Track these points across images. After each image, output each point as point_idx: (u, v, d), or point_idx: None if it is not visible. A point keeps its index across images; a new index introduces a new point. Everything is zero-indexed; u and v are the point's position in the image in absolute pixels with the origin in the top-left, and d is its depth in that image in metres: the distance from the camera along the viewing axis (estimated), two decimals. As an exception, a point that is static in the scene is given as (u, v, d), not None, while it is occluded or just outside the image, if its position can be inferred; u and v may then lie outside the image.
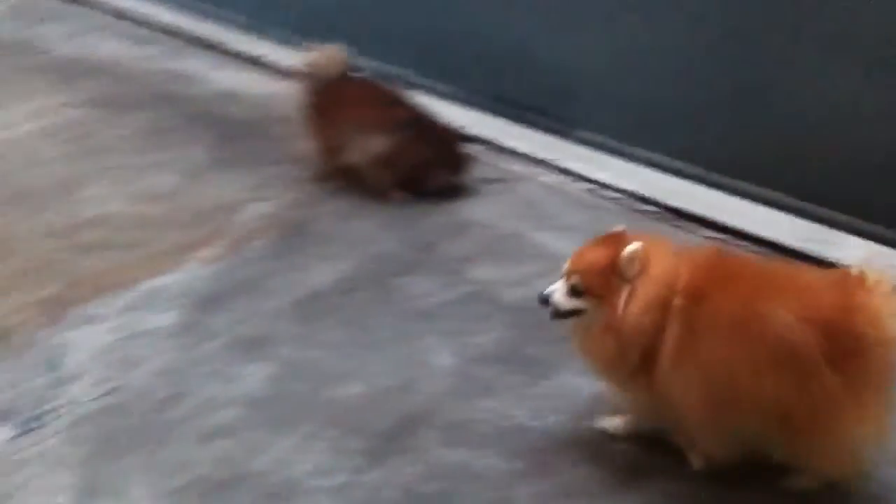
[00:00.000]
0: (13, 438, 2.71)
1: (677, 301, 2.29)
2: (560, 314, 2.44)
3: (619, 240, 2.37)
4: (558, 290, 2.43)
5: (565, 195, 3.98)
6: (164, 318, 3.23)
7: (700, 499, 2.39)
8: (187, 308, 3.29)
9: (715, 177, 3.85)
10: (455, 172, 4.05)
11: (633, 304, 2.32)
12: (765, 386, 2.21)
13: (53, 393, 2.89)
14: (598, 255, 2.38)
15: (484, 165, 4.19)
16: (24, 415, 2.80)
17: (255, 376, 2.94)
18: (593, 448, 2.50)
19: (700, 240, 3.51)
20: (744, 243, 3.47)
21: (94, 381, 2.93)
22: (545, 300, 2.44)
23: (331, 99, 4.07)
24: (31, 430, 2.74)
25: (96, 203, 4.07)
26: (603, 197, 3.93)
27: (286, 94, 4.96)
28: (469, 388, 2.82)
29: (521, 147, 4.37)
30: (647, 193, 3.88)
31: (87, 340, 3.13)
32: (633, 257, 2.31)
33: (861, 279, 2.21)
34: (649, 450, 2.50)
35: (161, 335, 3.15)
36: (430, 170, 3.99)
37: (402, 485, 2.47)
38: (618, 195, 3.92)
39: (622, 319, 2.31)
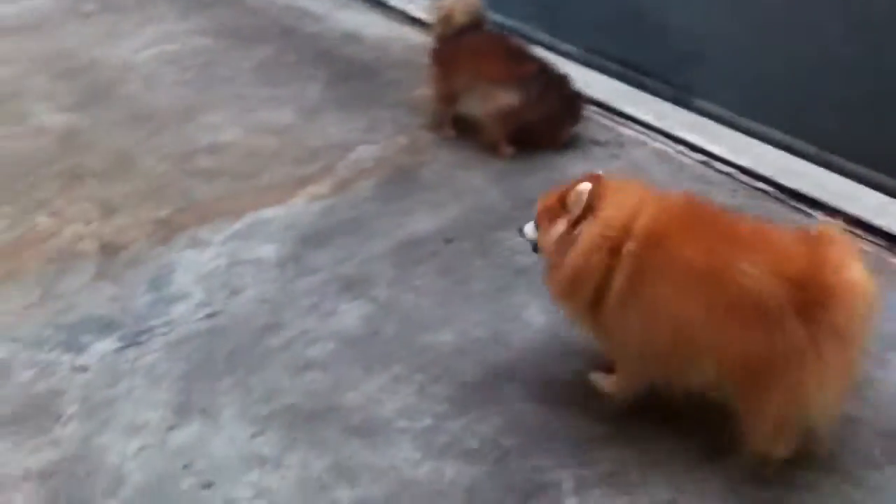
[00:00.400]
0: (117, 350, 2.83)
1: (630, 245, 2.34)
2: (535, 247, 2.61)
3: (588, 181, 2.46)
4: (531, 225, 2.60)
5: (675, 164, 3.90)
6: (269, 250, 3.31)
7: (782, 481, 2.34)
8: (291, 241, 3.36)
9: (832, 158, 3.71)
10: (571, 129, 4.02)
11: (577, 245, 2.42)
12: (725, 336, 2.23)
13: (157, 311, 3.01)
14: (557, 193, 2.51)
15: (598, 127, 4.14)
16: (129, 329, 2.92)
17: (350, 314, 2.99)
18: (680, 421, 2.47)
19: (812, 223, 3.41)
20: (857, 230, 3.34)
21: (196, 304, 3.03)
22: (522, 233, 2.64)
23: (458, 48, 4.06)
24: (135, 344, 2.85)
25: (213, 131, 4.17)
26: (714, 169, 3.83)
27: (407, 39, 5.02)
28: (558, 347, 2.81)
29: (637, 112, 4.29)
30: (760, 170, 3.77)
31: (193, 264, 3.23)
32: (579, 195, 2.41)
33: (826, 234, 2.24)
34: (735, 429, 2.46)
35: (264, 265, 3.23)
36: (550, 127, 3.97)
37: (483, 434, 2.50)
38: (730, 169, 3.82)
39: (565, 258, 2.43)
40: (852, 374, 2.27)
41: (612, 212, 2.40)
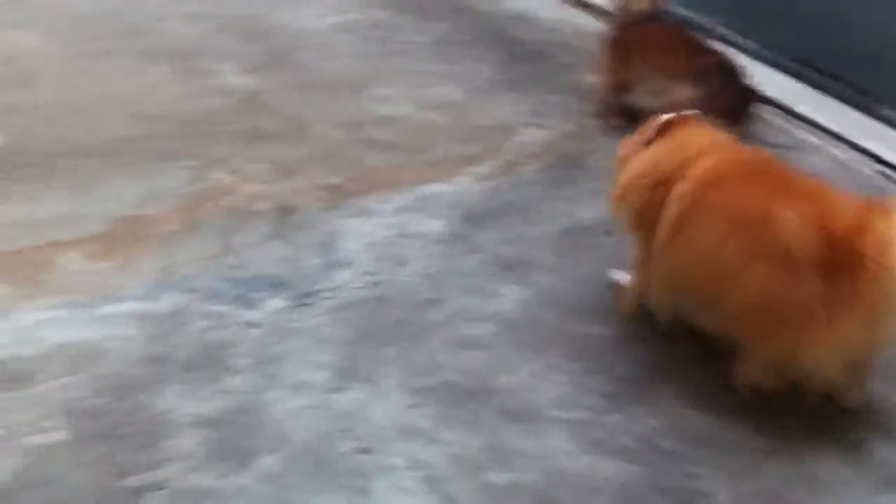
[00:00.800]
0: (286, 309, 2.93)
1: (682, 185, 2.47)
2: None
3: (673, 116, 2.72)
4: None
5: (853, 173, 3.75)
6: (434, 225, 3.36)
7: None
8: (456, 219, 3.40)
9: None
10: (743, 127, 3.92)
11: (626, 168, 2.69)
12: (752, 280, 2.32)
13: (325, 275, 3.09)
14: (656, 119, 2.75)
15: (771, 128, 4.02)
16: (298, 290, 3.01)
17: (509, 297, 3.01)
18: (856, 443, 2.38)
19: None
20: None
21: (363, 271, 3.10)
22: None
23: (634, 37, 4.00)
24: (303, 305, 2.95)
25: (385, 103, 4.25)
26: (894, 182, 3.67)
27: (581, 24, 4.98)
28: (722, 350, 2.74)
29: (815, 115, 4.14)
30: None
31: (360, 232, 3.31)
32: (648, 127, 2.67)
33: (886, 207, 2.21)
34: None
35: (429, 240, 3.28)
36: (722, 123, 3.87)
37: (640, 435, 2.47)
38: (912, 184, 3.65)
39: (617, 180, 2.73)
40: (866, 348, 2.28)
41: (669, 148, 2.59)
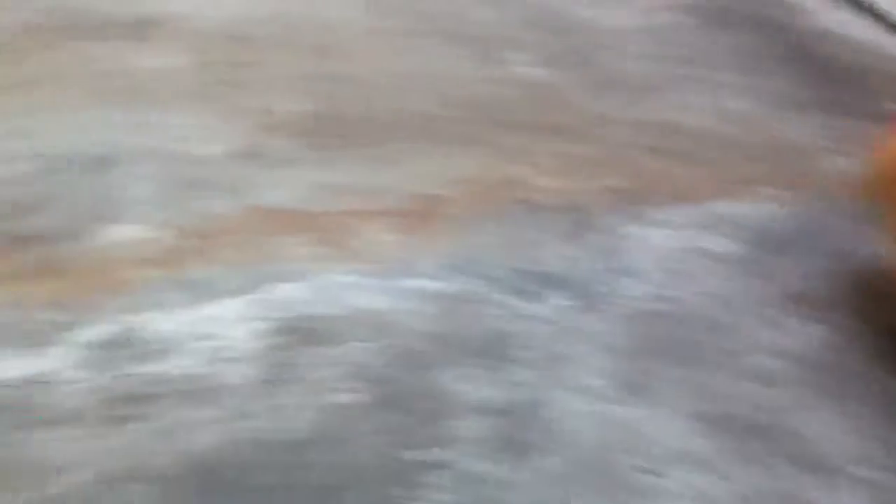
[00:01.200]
0: (569, 309, 2.90)
1: None
2: None
3: None
4: None
5: None
6: (724, 244, 3.24)
7: None
8: (748, 241, 3.27)
9: None
10: None
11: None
12: None
13: (610, 280, 3.04)
14: None
15: None
16: (584, 291, 2.98)
17: (804, 333, 2.86)
18: None
19: None
20: None
21: (650, 283, 3.03)
22: None
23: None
24: (586, 308, 2.91)
25: (674, 109, 4.16)
26: None
27: (893, 47, 4.66)
28: None
29: None
30: None
31: (649, 242, 3.24)
32: None
33: None
34: None
35: (719, 260, 3.17)
36: None
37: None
38: None
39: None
40: None
41: None
